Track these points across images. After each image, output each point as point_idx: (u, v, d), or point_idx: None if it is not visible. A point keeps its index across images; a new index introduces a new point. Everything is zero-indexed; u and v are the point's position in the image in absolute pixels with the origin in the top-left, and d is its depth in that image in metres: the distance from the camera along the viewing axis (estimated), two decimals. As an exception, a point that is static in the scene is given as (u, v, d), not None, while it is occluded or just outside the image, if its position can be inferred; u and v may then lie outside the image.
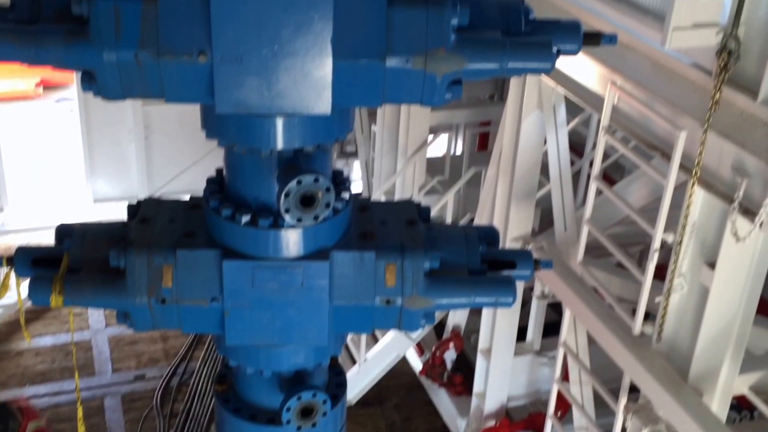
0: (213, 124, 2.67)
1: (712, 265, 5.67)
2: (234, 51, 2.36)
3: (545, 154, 8.34)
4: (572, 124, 9.90)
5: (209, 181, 2.96)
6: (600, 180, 6.80)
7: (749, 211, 5.16)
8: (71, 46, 2.35)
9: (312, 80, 2.43)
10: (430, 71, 2.49)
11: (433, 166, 11.65)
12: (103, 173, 14.81)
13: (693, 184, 5.52)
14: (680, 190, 5.86)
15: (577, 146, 11.08)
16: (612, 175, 11.18)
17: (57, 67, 2.39)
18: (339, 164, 15.23)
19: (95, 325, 12.51)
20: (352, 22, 2.41)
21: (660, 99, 5.84)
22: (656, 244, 6.01)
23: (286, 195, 2.59)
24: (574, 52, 2.76)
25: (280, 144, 2.62)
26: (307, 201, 2.62)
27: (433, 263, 2.88)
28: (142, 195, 14.69)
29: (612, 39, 2.79)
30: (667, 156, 5.78)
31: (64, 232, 2.94)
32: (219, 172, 2.97)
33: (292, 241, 2.78)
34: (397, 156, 11.25)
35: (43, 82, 19.00)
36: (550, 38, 2.62)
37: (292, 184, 2.58)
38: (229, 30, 2.33)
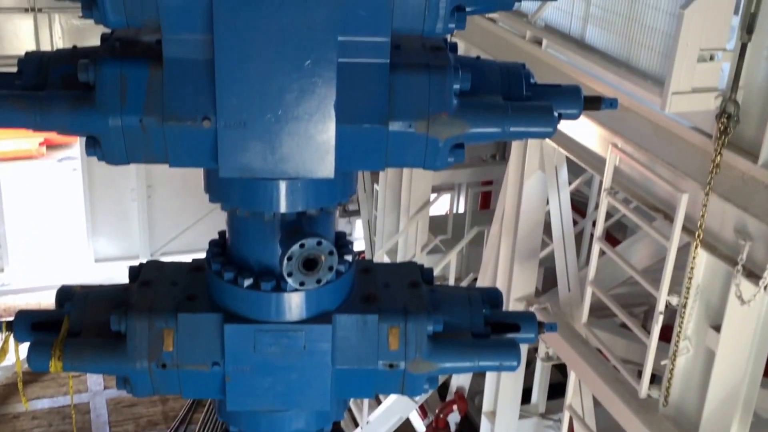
0: (216, 188, 2.67)
1: (717, 328, 5.62)
2: (238, 116, 2.37)
3: (548, 214, 8.35)
4: (574, 184, 9.94)
5: (212, 243, 2.95)
6: (603, 241, 6.79)
7: (753, 274, 5.14)
8: (77, 112, 2.38)
9: (315, 144, 2.44)
10: (432, 135, 2.51)
11: (436, 224, 11.66)
12: (105, 232, 14.81)
13: (696, 247, 5.51)
14: (683, 251, 5.84)
15: (580, 205, 11.11)
16: (615, 234, 11.17)
17: (62, 133, 2.41)
18: (341, 223, 15.26)
19: (93, 387, 12.37)
20: (356, 87, 2.43)
21: (661, 161, 5.87)
22: (660, 307, 5.97)
23: (289, 258, 2.58)
24: (575, 117, 2.78)
25: (283, 207, 2.63)
26: (310, 264, 2.61)
27: (437, 326, 2.86)
28: (144, 254, 14.64)
29: (612, 103, 2.81)
30: (670, 218, 5.79)
31: (64, 295, 2.93)
32: (222, 234, 2.97)
33: (294, 304, 2.77)
34: (400, 215, 11.27)
35: (46, 142, 19.20)
36: (551, 103, 2.64)
37: (295, 247, 2.57)
38: (234, 95, 2.35)
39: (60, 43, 12.60)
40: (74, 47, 2.55)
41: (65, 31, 12.67)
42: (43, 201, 17.22)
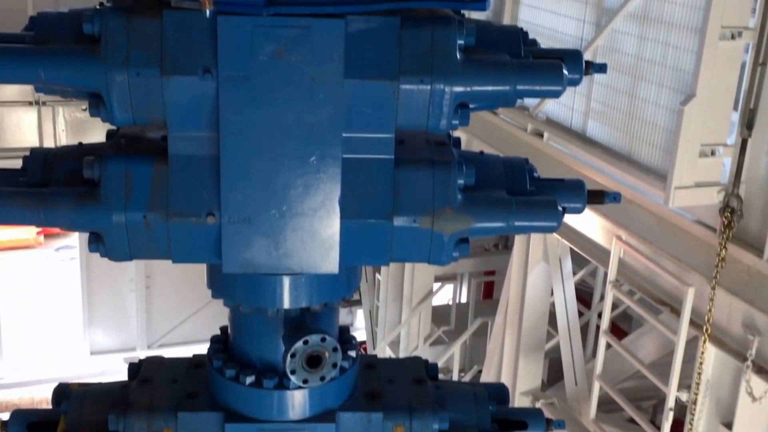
0: (219, 284, 2.65)
1: (729, 425, 5.49)
2: (242, 212, 2.37)
3: (552, 305, 8.29)
4: (579, 275, 9.90)
5: (213, 339, 2.91)
6: (609, 335, 6.71)
7: (763, 370, 5.05)
8: (80, 209, 2.37)
9: (320, 240, 2.43)
10: (437, 230, 2.49)
11: (439, 315, 11.55)
12: (102, 324, 14.60)
13: (704, 341, 5.44)
14: (691, 344, 5.76)
15: (585, 295, 11.03)
16: (620, 324, 11.05)
17: (65, 229, 2.40)
18: (342, 313, 15.05)
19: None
20: (360, 183, 2.44)
21: (666, 254, 5.85)
22: (670, 403, 5.85)
23: (293, 355, 2.53)
24: (579, 211, 2.77)
25: (286, 303, 2.59)
26: (314, 361, 2.56)
27: (443, 424, 2.79)
28: (141, 346, 14.39)
29: (616, 197, 2.81)
30: (676, 311, 5.73)
31: (62, 393, 2.86)
32: (223, 330, 2.92)
33: (297, 402, 2.70)
34: (402, 305, 11.19)
35: (44, 231, 19.19)
36: (555, 198, 2.64)
37: (299, 344, 2.53)
38: (239, 191, 2.35)
39: (63, 136, 12.68)
40: (80, 144, 2.56)
41: (68, 124, 12.76)
42: (40, 291, 17.09)
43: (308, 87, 2.29)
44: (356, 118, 2.37)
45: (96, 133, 11.49)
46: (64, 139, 12.40)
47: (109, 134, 2.55)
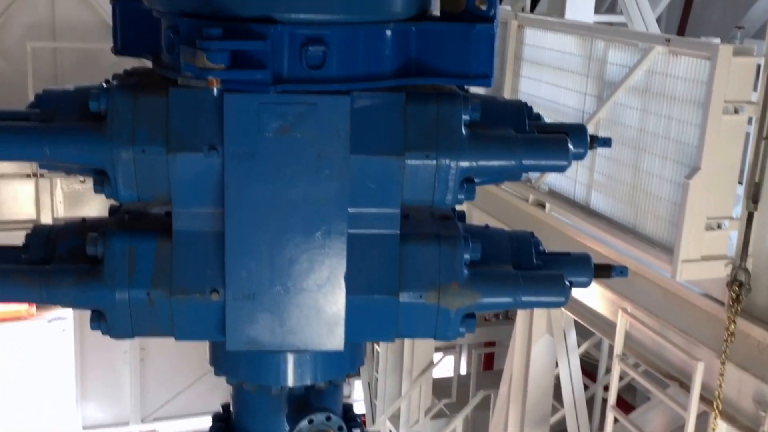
0: (222, 362, 2.60)
1: (744, 506, 5.33)
2: (247, 288, 2.34)
3: (557, 377, 8.15)
4: (583, 347, 9.78)
5: (215, 417, 2.84)
6: (617, 409, 6.58)
7: (777, 448, 4.93)
8: (83, 287, 2.34)
9: (325, 316, 2.39)
10: (443, 306, 2.46)
11: (439, 386, 11.38)
12: (95, 397, 14.30)
13: (715, 417, 5.33)
14: (701, 419, 5.64)
15: (589, 368, 10.87)
16: (624, 396, 10.85)
17: (66, 307, 2.37)
18: (341, 384, 14.81)
19: None
20: (365, 258, 2.41)
21: (673, 328, 5.78)
22: (682, 483, 5.70)
23: (297, 435, 2.48)
24: (586, 285, 2.74)
25: (291, 381, 2.54)
26: (319, 441, 2.50)
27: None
28: (134, 420, 14.06)
29: (623, 271, 2.78)
30: (685, 386, 5.63)
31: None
32: (225, 407, 2.86)
33: (300, 484, 2.62)
34: (402, 377, 11.03)
35: (36, 301, 18.95)
36: (562, 272, 2.61)
37: (304, 423, 2.48)
38: (243, 268, 2.32)
39: (61, 208, 12.53)
40: (83, 220, 2.54)
41: (66, 195, 12.63)
42: (31, 364, 16.82)
43: (314, 163, 2.28)
44: (362, 194, 2.35)
45: (94, 204, 11.43)
46: (61, 211, 12.28)
47: (112, 210, 2.53)
